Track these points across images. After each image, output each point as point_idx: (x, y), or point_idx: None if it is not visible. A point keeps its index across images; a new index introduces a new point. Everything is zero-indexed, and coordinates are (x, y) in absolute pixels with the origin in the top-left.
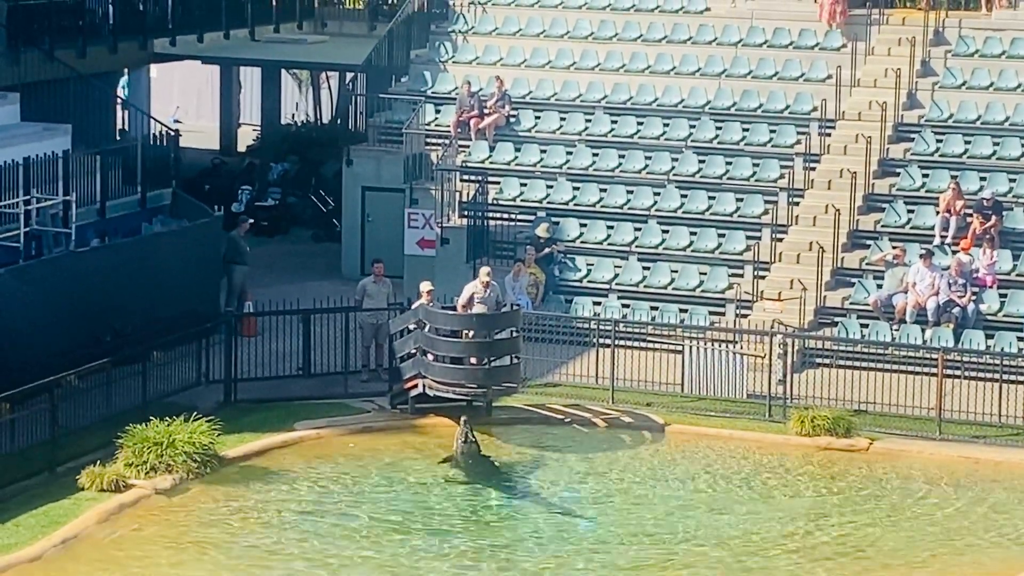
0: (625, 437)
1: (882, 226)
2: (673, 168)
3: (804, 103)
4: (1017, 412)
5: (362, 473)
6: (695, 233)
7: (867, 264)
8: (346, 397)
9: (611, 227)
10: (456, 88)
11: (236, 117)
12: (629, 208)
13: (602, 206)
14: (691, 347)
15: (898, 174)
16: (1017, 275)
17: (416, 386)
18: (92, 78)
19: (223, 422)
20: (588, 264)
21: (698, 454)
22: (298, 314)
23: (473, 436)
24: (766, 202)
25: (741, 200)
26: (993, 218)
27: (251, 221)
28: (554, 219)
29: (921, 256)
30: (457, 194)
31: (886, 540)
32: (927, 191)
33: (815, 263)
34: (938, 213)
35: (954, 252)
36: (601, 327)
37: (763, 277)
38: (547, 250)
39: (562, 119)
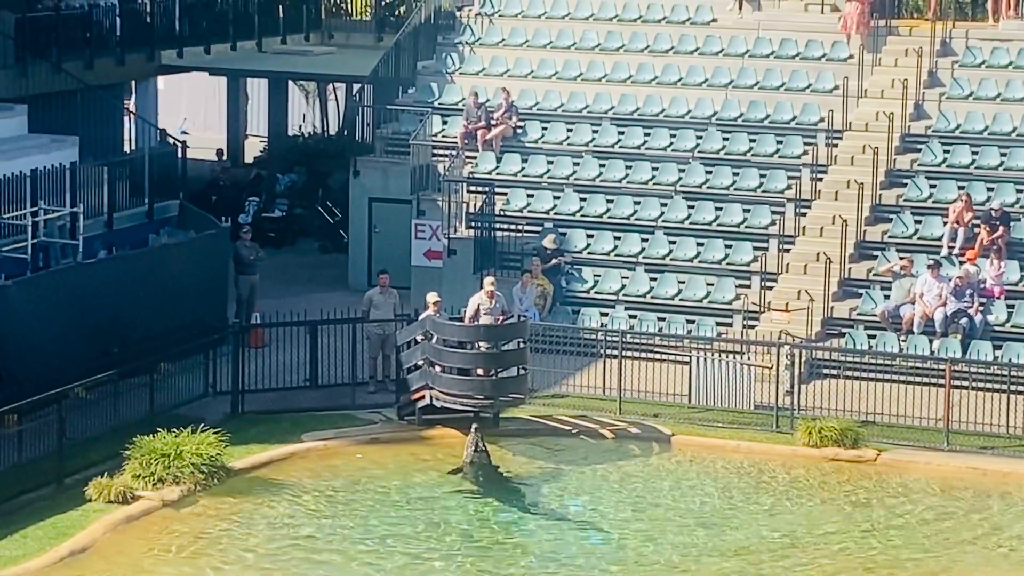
0: (632, 448)
1: (889, 237)
2: (680, 179)
3: (811, 114)
4: None
5: (369, 484)
6: (702, 244)
7: (874, 275)
8: (353, 408)
9: (618, 238)
10: (463, 99)
11: (243, 128)
12: (636, 219)
13: (609, 217)
14: (698, 358)
15: (905, 185)
16: None
17: (423, 397)
18: (99, 90)
19: (230, 433)
20: (595, 275)
21: (705, 465)
22: (305, 325)
23: (483, 445)
24: (773, 213)
25: (748, 211)
26: (1000, 229)
27: (246, 228)
28: (561, 230)
29: (929, 267)
30: (464, 205)
31: (893, 552)
32: (934, 202)
33: (822, 274)
34: (946, 223)
35: (961, 263)
36: (608, 338)
37: (770, 288)
38: (554, 261)
39: (569, 130)
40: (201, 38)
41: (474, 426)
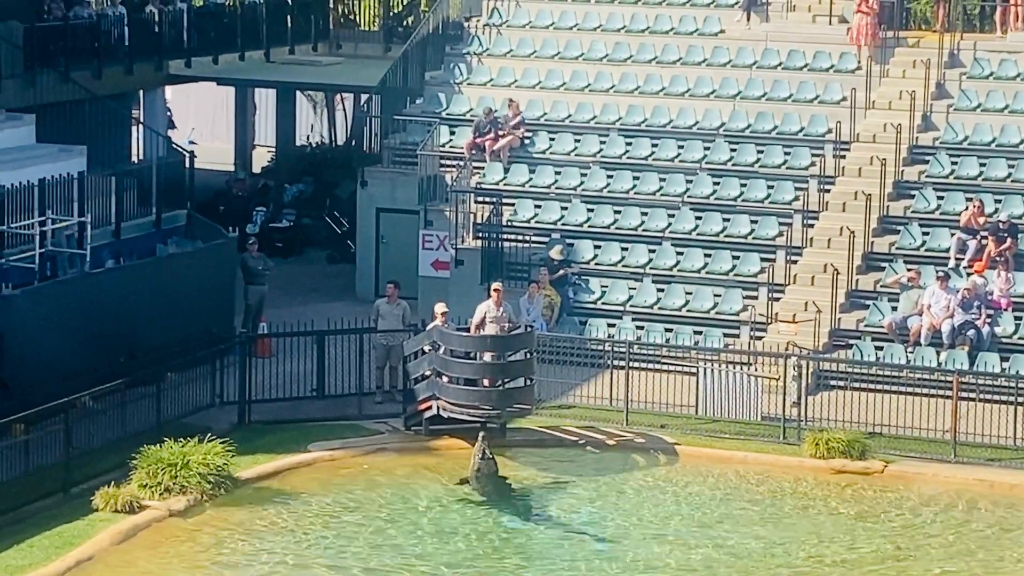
0: (639, 459)
1: (897, 248)
2: (687, 190)
3: (819, 125)
4: None
5: (375, 494)
6: (709, 255)
7: (882, 286)
8: (360, 418)
9: (625, 249)
10: (471, 110)
11: (251, 138)
12: (643, 230)
13: (616, 228)
14: (705, 369)
15: (913, 196)
16: None
17: (430, 407)
18: (108, 99)
19: (237, 443)
20: (602, 286)
21: (712, 476)
22: (312, 335)
23: (491, 454)
24: (780, 224)
25: (756, 222)
26: (1008, 241)
27: (253, 240)
28: (568, 241)
29: (938, 278)
30: (471, 216)
31: (901, 563)
32: (942, 213)
33: (830, 285)
34: (953, 235)
35: (969, 275)
36: (615, 349)
37: (777, 299)
38: (561, 272)
39: (576, 141)
40: (209, 48)
41: (481, 435)
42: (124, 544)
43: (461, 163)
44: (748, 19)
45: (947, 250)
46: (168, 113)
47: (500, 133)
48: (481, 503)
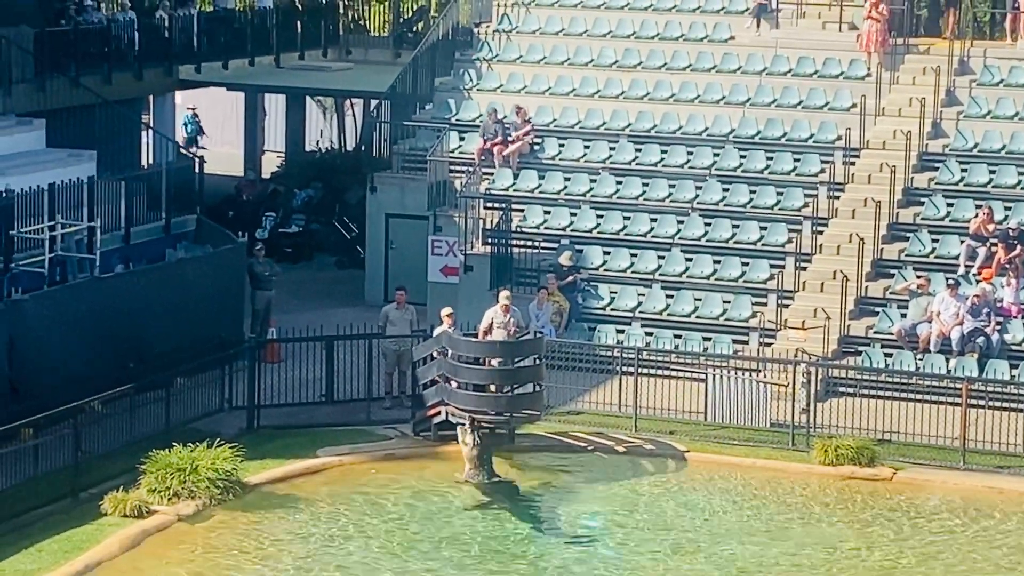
0: (648, 465)
1: (906, 255)
2: (697, 196)
3: (828, 132)
4: None
5: (384, 500)
6: (719, 261)
7: (891, 293)
8: (369, 424)
9: (635, 255)
10: (480, 115)
11: (260, 144)
12: (652, 236)
13: (625, 234)
14: (714, 375)
15: (922, 203)
16: None
17: (439, 413)
18: (117, 105)
19: (246, 448)
20: (611, 292)
21: (721, 483)
22: (321, 341)
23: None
24: (790, 231)
25: (765, 229)
26: (1018, 248)
27: (259, 245)
28: (577, 247)
29: (947, 285)
30: (481, 221)
31: (910, 571)
32: (951, 220)
33: (839, 292)
34: (963, 242)
35: (978, 281)
36: (624, 355)
37: (787, 306)
38: (570, 278)
39: (586, 147)
40: (219, 53)
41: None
42: (133, 549)
43: (470, 169)
44: (758, 25)
45: (956, 257)
46: (196, 119)
47: (509, 139)
48: (488, 509)
